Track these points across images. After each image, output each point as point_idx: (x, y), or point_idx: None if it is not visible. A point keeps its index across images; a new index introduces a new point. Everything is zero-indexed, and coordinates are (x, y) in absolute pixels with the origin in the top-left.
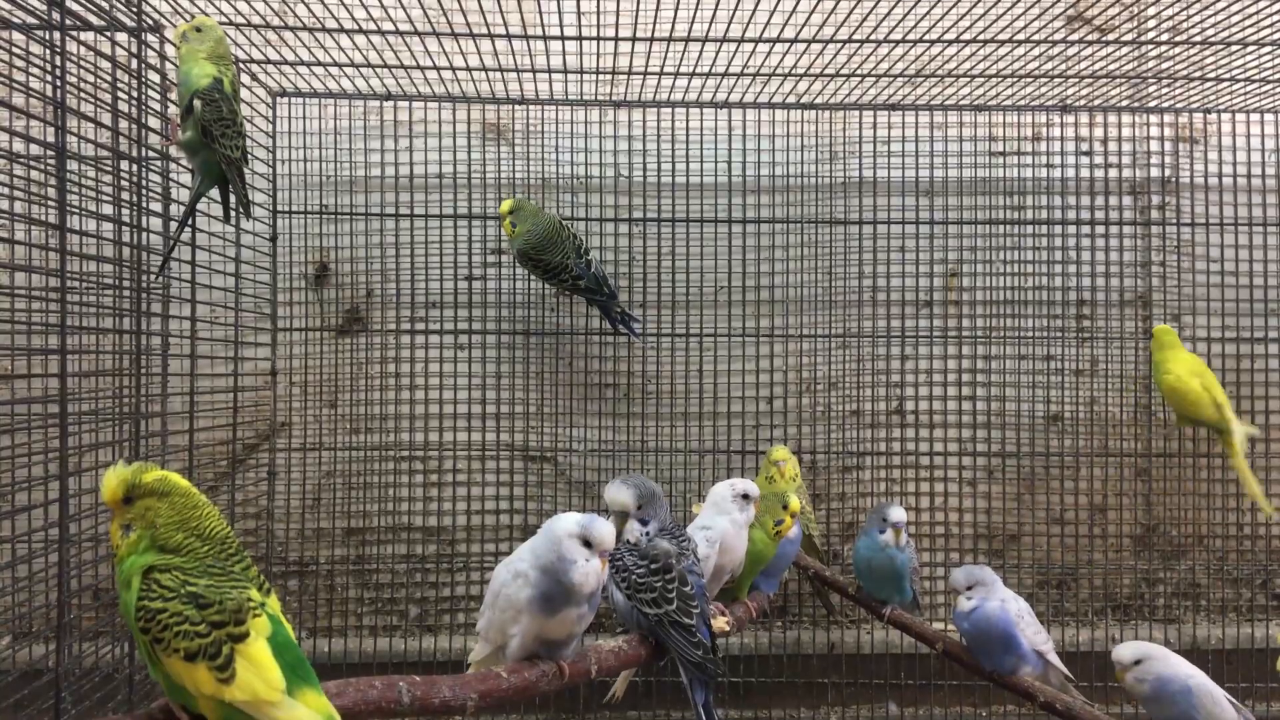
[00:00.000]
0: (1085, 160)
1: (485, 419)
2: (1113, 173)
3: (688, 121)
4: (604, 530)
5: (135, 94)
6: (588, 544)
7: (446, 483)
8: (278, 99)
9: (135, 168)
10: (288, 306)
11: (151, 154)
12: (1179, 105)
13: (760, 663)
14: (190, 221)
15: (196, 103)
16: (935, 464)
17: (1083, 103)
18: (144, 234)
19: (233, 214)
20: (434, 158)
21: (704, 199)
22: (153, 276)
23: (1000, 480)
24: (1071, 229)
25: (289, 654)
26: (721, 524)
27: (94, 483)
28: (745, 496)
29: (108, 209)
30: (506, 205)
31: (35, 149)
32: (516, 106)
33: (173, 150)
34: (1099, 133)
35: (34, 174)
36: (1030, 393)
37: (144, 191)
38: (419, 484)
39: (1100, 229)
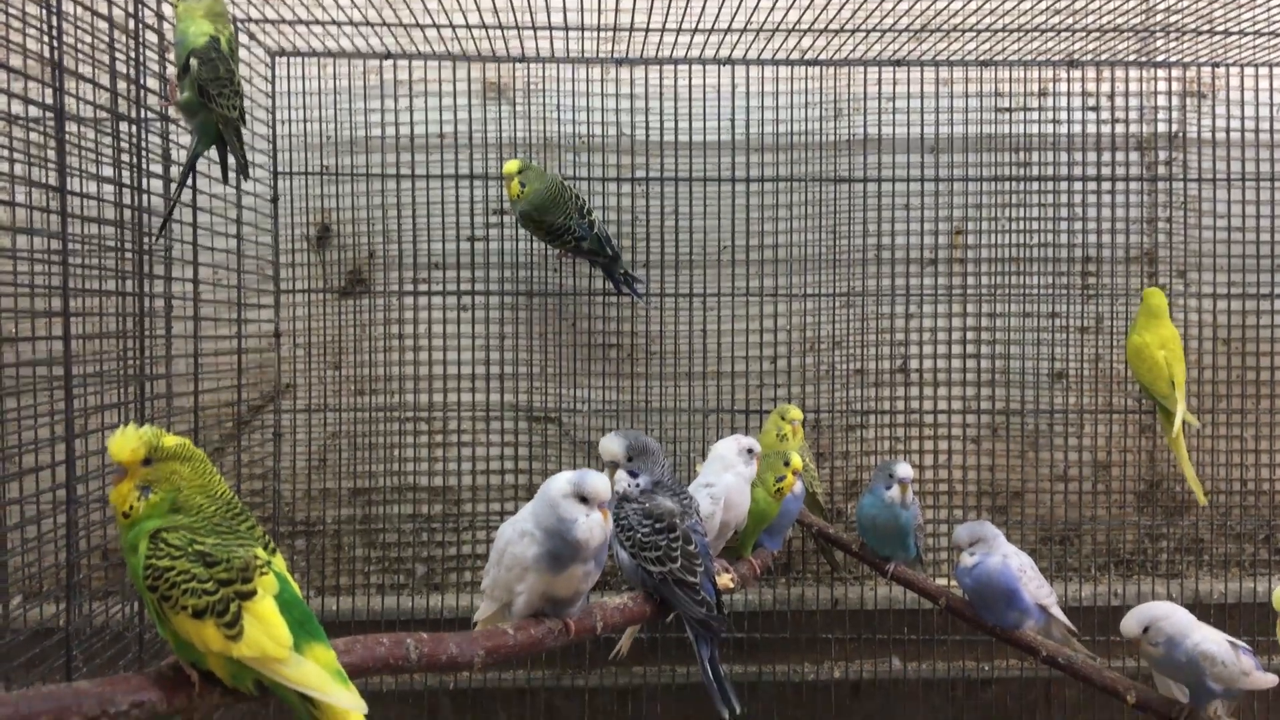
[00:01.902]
0: (1092, 116)
1: (489, 380)
2: (1119, 128)
3: (690, 79)
4: (596, 482)
5: (133, 54)
6: (584, 499)
7: (451, 443)
8: (276, 58)
9: (134, 129)
10: (290, 268)
11: (150, 115)
12: (1187, 59)
13: (764, 619)
14: (190, 183)
15: (193, 62)
16: (939, 422)
17: (1089, 58)
18: (144, 196)
19: (231, 175)
20: (434, 117)
21: (707, 157)
22: (153, 238)
23: (1004, 438)
24: (1078, 185)
25: (296, 611)
26: (726, 480)
27: (100, 444)
28: (750, 451)
29: (107, 170)
30: (513, 166)
31: (34, 111)
32: (517, 65)
33: (172, 111)
34: (1106, 88)
35: (33, 136)
36: (1035, 350)
37: (143, 153)
38: (424, 444)
39: (1106, 185)
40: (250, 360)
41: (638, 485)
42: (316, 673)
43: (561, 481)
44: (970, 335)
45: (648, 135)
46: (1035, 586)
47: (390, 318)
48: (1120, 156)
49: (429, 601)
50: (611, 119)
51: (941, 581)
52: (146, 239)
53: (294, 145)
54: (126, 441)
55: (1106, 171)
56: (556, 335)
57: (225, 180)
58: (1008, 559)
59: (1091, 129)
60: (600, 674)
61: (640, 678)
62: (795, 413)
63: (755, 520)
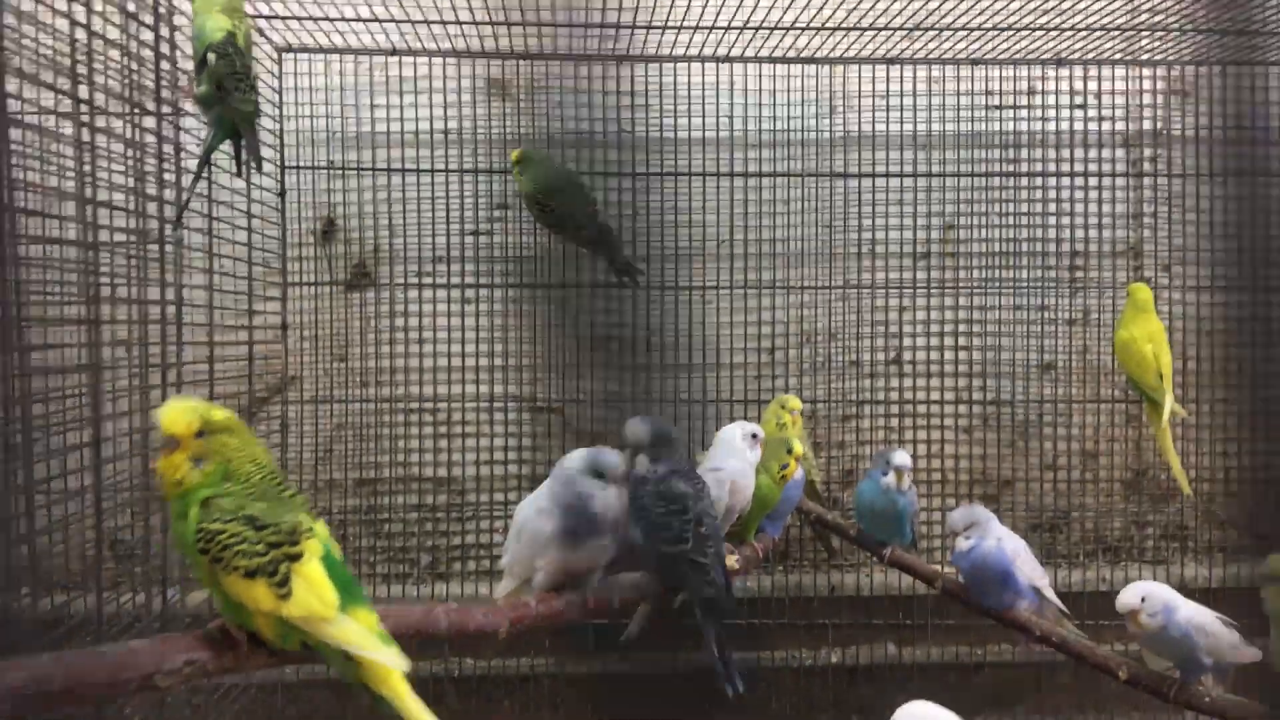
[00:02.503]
0: (1079, 114)
1: (493, 371)
2: (1106, 125)
3: (689, 76)
4: (610, 458)
5: (153, 48)
6: (599, 475)
7: (456, 434)
8: (283, 54)
9: (149, 123)
10: (297, 262)
11: (165, 110)
12: (1170, 58)
13: (763, 605)
14: (206, 175)
15: (210, 56)
16: (931, 412)
17: (1077, 56)
18: (162, 189)
19: (244, 169)
20: (439, 114)
21: (705, 153)
22: (174, 227)
23: (995, 427)
24: (1065, 181)
25: (339, 574)
26: (731, 465)
27: (114, 432)
28: (754, 436)
29: (119, 166)
30: (516, 154)
31: (47, 102)
32: (521, 61)
33: (187, 105)
34: (1093, 86)
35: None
36: (1024, 342)
37: (161, 147)
38: (428, 435)
39: (1094, 181)
40: (257, 352)
41: (655, 470)
42: (361, 632)
43: (576, 459)
44: (962, 327)
45: (648, 131)
46: (1029, 569)
47: (395, 310)
48: (1106, 153)
49: (433, 590)
50: (612, 115)
51: (936, 566)
52: (168, 230)
53: (300, 140)
54: (181, 415)
55: (1094, 168)
56: (558, 328)
57: (239, 173)
58: (1002, 542)
59: (1079, 126)
60: (603, 661)
61: (643, 665)
62: (795, 402)
63: (759, 505)
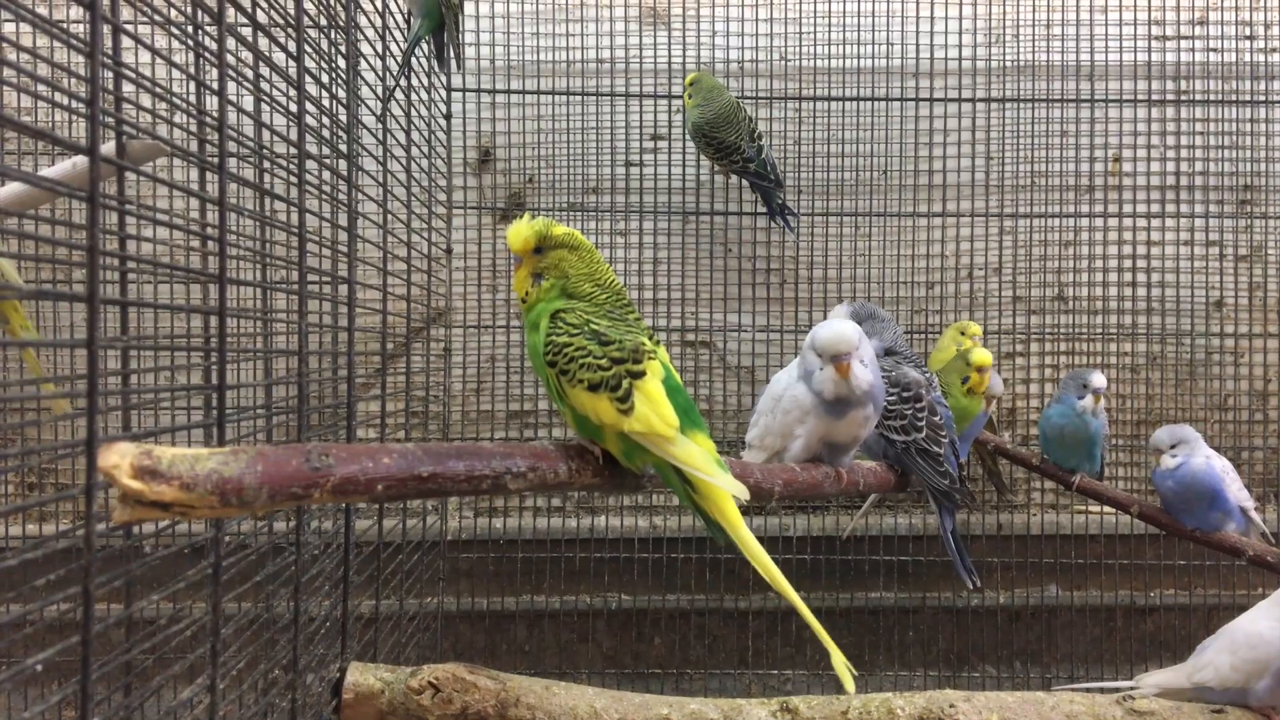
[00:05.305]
0: (1246, 45)
1: (642, 304)
2: (1275, 58)
3: (844, 4)
4: (822, 335)
5: None
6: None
7: None
8: None
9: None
10: (456, 191)
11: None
12: None
13: (929, 543)
14: (407, 73)
15: None
16: (1096, 349)
17: None
18: (356, 103)
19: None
20: (590, 43)
21: (860, 82)
22: (383, 104)
23: (1162, 366)
24: (1234, 111)
25: (679, 397)
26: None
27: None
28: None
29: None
30: (691, 77)
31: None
32: None
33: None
34: (1259, 17)
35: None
36: (1193, 278)
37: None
38: None
39: (1263, 111)
40: (419, 277)
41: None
42: (700, 454)
43: (811, 333)
44: (1127, 263)
45: (800, 59)
46: (1237, 489)
47: None
48: (1276, 85)
49: (579, 523)
50: (765, 43)
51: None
52: (351, 146)
53: (463, 69)
54: (521, 232)
55: (1263, 99)
56: (709, 260)
57: (440, 64)
58: (1210, 460)
59: (1247, 57)
60: (764, 598)
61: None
62: (975, 328)
63: (956, 418)
